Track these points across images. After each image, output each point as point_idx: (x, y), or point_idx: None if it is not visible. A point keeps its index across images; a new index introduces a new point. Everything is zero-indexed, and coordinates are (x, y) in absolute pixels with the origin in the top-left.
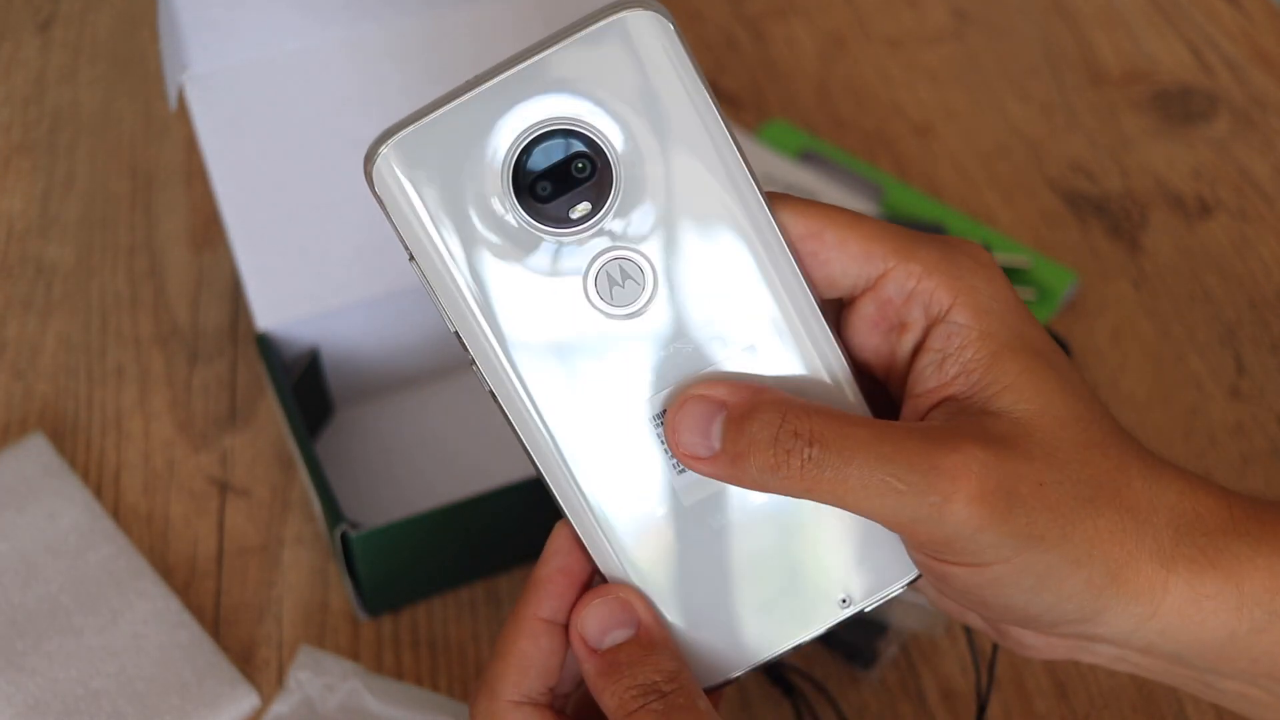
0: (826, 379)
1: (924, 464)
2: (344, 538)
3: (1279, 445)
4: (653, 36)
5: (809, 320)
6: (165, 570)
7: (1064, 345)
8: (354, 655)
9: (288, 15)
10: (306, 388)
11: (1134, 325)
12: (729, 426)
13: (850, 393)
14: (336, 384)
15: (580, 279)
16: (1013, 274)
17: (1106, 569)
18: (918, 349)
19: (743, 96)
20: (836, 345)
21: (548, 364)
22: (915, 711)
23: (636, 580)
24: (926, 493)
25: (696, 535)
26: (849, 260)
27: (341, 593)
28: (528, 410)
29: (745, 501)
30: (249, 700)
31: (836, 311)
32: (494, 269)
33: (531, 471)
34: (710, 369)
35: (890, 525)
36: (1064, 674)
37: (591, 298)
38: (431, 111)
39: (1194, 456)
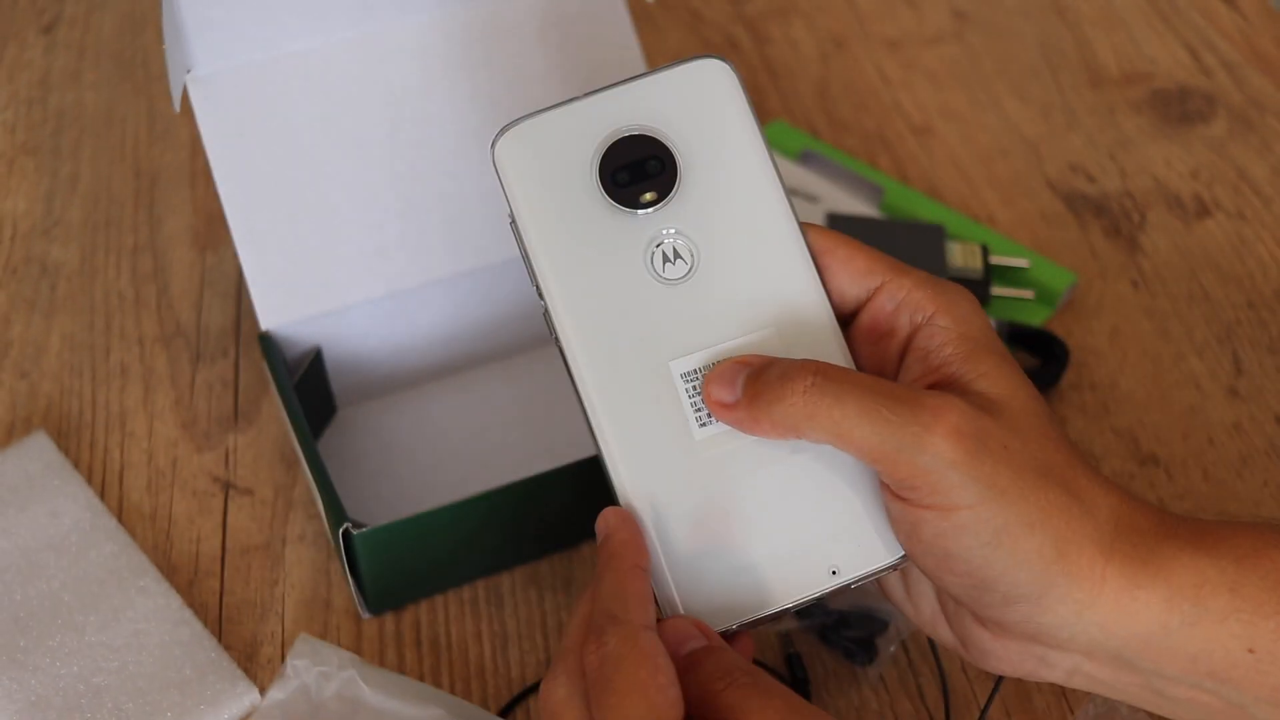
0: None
1: (912, 400)
2: (346, 536)
3: (1277, 445)
4: (721, 79)
5: (821, 311)
6: (169, 569)
7: (1063, 346)
8: (356, 653)
9: (291, 16)
10: (309, 387)
11: (1133, 325)
12: (750, 378)
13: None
14: (339, 383)
15: (642, 253)
16: (1012, 274)
17: (1054, 542)
18: (904, 352)
19: None
20: (841, 337)
21: (606, 317)
22: (915, 709)
23: (650, 512)
24: (910, 422)
25: (711, 485)
26: (854, 274)
27: (344, 591)
28: (580, 352)
29: (758, 462)
30: (249, 697)
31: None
32: (576, 236)
33: (534, 471)
34: (734, 340)
35: (875, 454)
36: None
37: (649, 268)
38: (550, 109)
39: (1192, 456)
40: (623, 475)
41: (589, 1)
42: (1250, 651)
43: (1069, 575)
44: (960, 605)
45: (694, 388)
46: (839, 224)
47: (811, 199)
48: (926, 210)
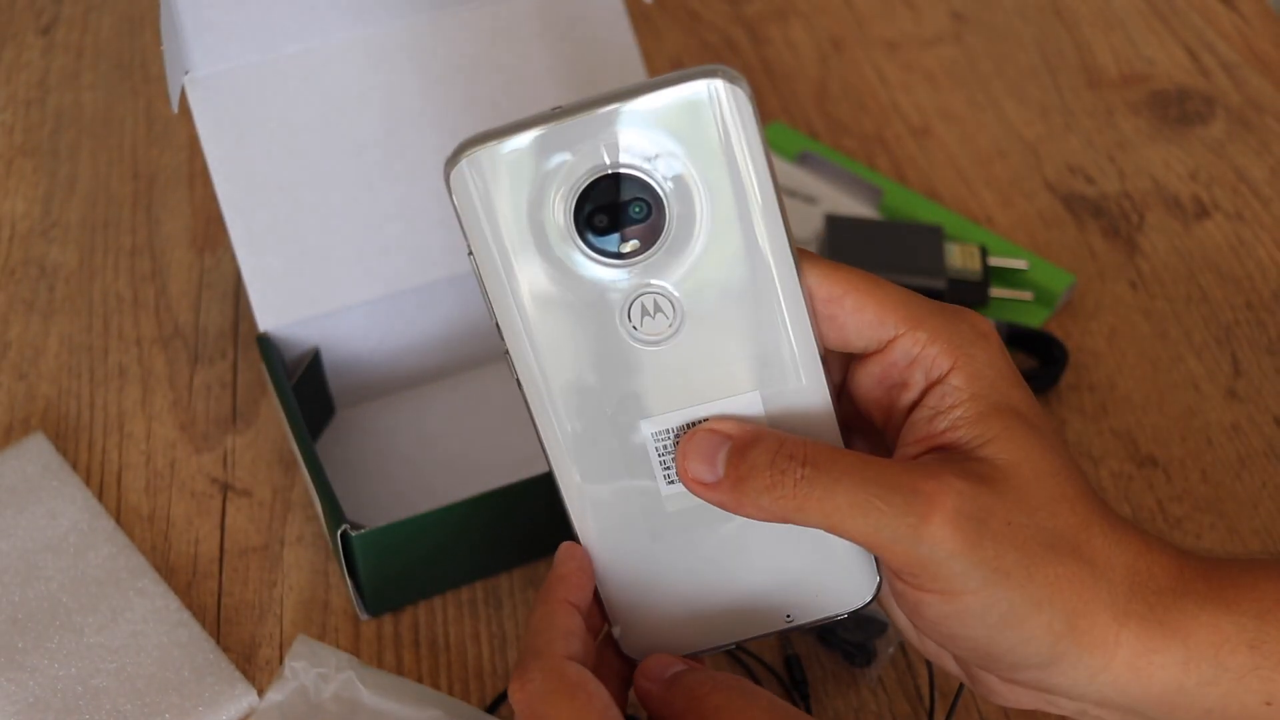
0: (815, 434)
1: (906, 486)
2: (345, 537)
3: (1276, 446)
4: (728, 105)
5: (813, 382)
6: (167, 570)
7: (1061, 348)
8: (355, 654)
9: (289, 17)
10: (307, 388)
11: (1131, 326)
12: (732, 455)
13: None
14: (337, 384)
15: (617, 305)
16: (1011, 275)
17: (1065, 616)
18: (914, 405)
19: None
20: (832, 409)
21: (573, 369)
22: (913, 710)
23: (605, 553)
24: (905, 513)
25: (673, 536)
26: (863, 325)
27: (343, 592)
28: (548, 408)
29: (723, 516)
30: (248, 698)
31: (845, 364)
32: (542, 281)
33: (532, 472)
34: (714, 403)
35: (871, 545)
36: None
37: (624, 322)
38: (516, 131)
39: (1191, 458)
40: (577, 520)
41: (587, 3)
42: (1268, 704)
43: (1080, 645)
44: None
45: (665, 446)
46: (838, 225)
47: (810, 200)
48: (925, 211)
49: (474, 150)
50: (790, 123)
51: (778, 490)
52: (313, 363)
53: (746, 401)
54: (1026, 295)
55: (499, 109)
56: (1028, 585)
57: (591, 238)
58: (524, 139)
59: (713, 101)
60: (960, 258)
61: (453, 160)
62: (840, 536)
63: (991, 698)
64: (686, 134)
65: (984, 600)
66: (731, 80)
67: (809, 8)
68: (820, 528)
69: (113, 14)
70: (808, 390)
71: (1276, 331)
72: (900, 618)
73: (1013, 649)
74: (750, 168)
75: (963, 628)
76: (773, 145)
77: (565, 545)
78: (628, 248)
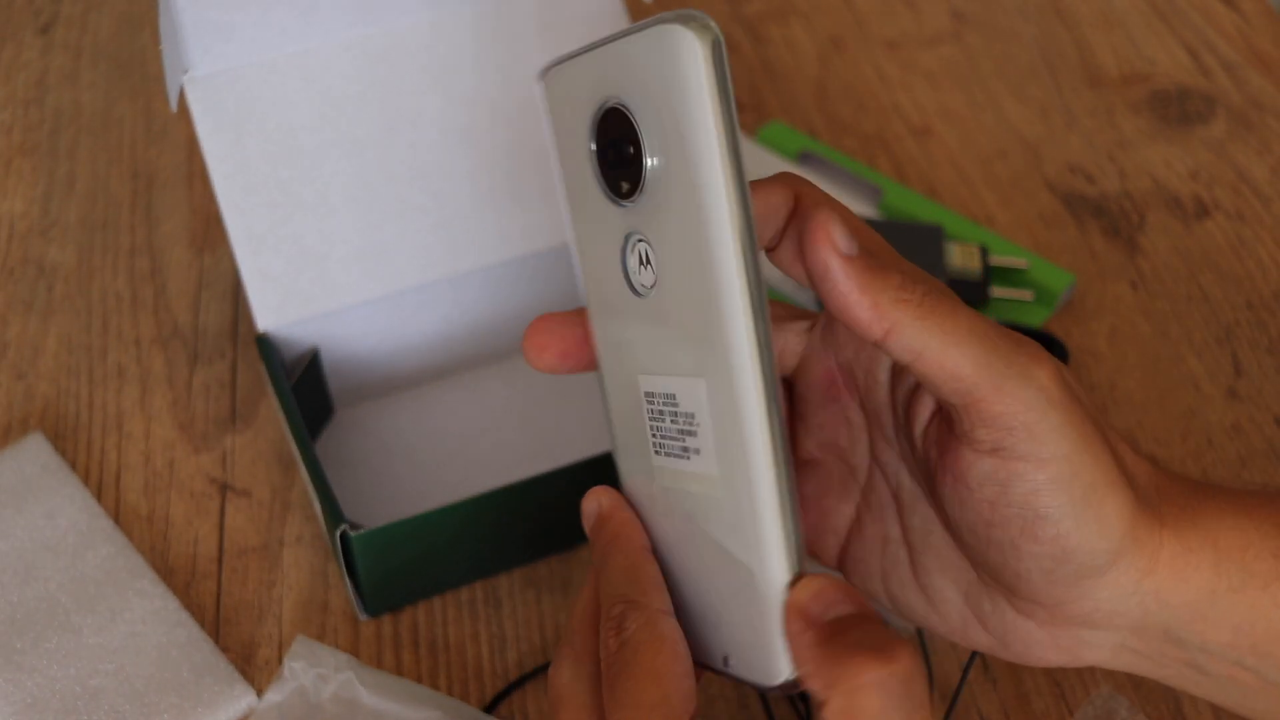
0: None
1: (1012, 334)
2: (344, 538)
3: (1276, 446)
4: (686, 56)
5: (750, 385)
6: (166, 570)
7: (1062, 347)
8: (354, 655)
9: (288, 18)
10: (306, 388)
11: (1132, 326)
12: (860, 248)
13: (771, 451)
14: (336, 384)
15: (619, 249)
16: (1011, 275)
17: (1129, 504)
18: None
19: (741, 98)
20: (771, 414)
21: (602, 297)
22: None
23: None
24: (1018, 351)
25: (660, 514)
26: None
27: (342, 593)
28: (595, 325)
29: (698, 519)
30: (247, 699)
31: (805, 336)
32: (582, 203)
33: (532, 472)
34: (674, 377)
35: (978, 379)
36: (1060, 674)
37: (622, 268)
38: (585, 52)
39: (1191, 457)
40: (616, 457)
41: (587, 3)
42: None
43: (1137, 541)
44: (1011, 593)
45: (654, 411)
46: None
47: None
48: (925, 211)
49: (551, 66)
50: (790, 123)
51: (906, 291)
52: (312, 363)
53: (691, 385)
54: (1027, 295)
55: (499, 109)
56: (1103, 459)
57: (605, 169)
58: (583, 61)
59: (674, 49)
60: (960, 257)
61: (544, 71)
62: (942, 368)
63: (1027, 654)
64: (656, 81)
65: (1074, 468)
66: (690, 28)
67: (809, 8)
68: (927, 350)
69: (112, 14)
70: (741, 399)
71: (1277, 331)
72: (918, 608)
73: (1086, 541)
74: (704, 126)
75: (1052, 502)
76: (773, 145)
77: (602, 490)
78: (623, 187)
